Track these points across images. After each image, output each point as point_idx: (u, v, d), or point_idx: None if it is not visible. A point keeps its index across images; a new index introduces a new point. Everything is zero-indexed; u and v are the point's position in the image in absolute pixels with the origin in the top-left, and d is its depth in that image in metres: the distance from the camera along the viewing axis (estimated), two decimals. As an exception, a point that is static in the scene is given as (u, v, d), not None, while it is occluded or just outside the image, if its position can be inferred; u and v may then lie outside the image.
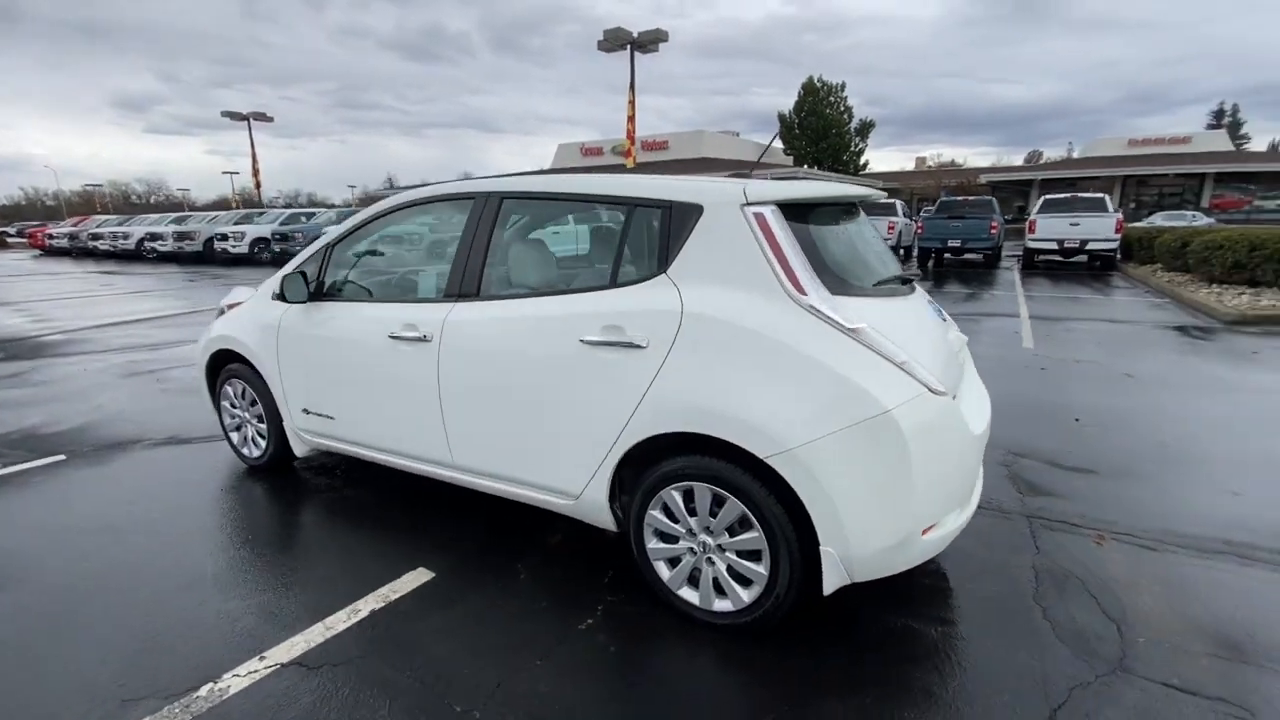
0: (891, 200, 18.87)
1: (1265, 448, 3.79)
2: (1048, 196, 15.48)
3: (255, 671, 2.01)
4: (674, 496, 2.17)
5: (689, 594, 2.23)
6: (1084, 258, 14.70)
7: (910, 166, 58.10)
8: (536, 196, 2.60)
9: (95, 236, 24.08)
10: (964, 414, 2.14)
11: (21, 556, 2.74)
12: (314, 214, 20.66)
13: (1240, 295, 9.08)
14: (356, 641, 2.16)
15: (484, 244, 2.58)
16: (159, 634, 2.20)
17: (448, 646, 2.14)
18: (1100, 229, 14.09)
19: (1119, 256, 14.70)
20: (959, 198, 17.46)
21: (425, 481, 3.29)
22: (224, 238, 19.26)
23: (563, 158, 39.46)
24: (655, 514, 2.23)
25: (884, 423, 1.84)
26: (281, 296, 3.01)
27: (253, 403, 3.49)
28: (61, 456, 3.84)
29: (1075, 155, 49.13)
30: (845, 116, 40.53)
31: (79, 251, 25.39)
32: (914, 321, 2.24)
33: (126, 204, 72.96)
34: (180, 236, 20.64)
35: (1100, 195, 15.30)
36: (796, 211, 2.15)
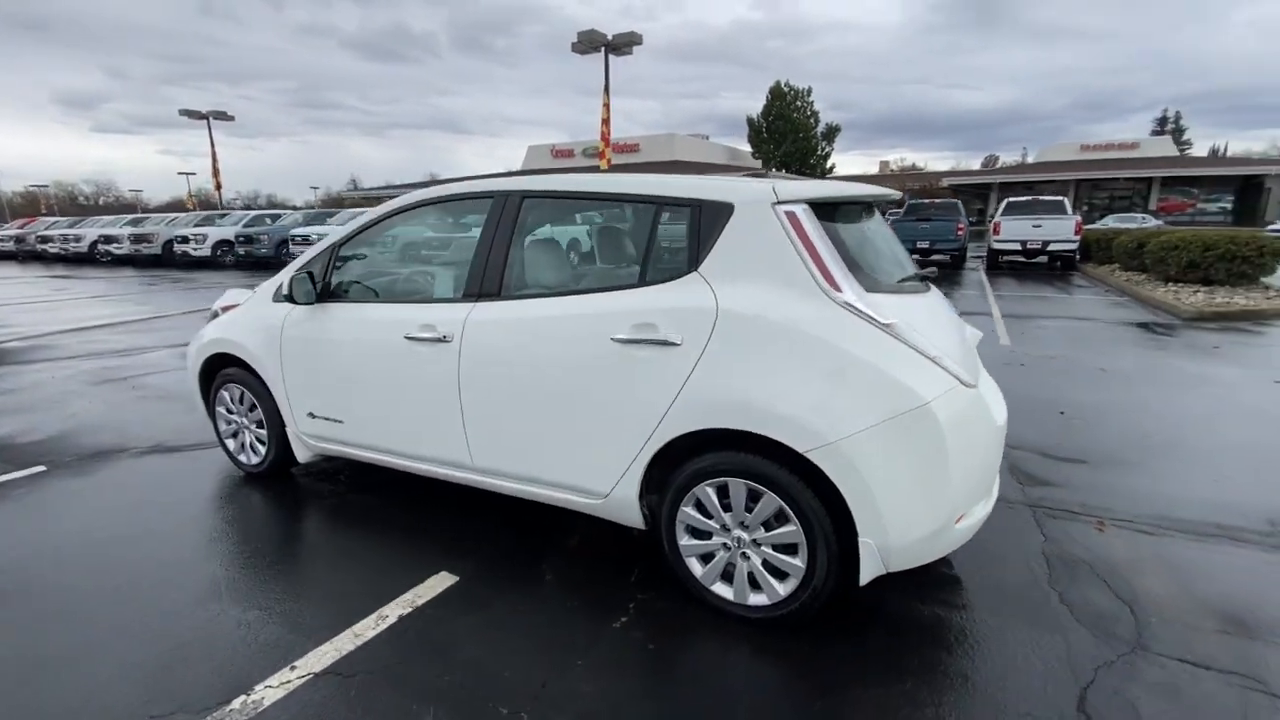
0: None
1: (1238, 437, 3.99)
2: (1010, 199, 16.00)
3: (288, 682, 1.96)
4: (708, 493, 2.19)
5: (722, 589, 2.25)
6: (1045, 258, 15.26)
7: (874, 170, 59.45)
8: (559, 195, 2.59)
9: (44, 239, 22.99)
10: (989, 405, 2.21)
11: (16, 573, 2.61)
12: (279, 215, 20.11)
13: (1196, 293, 9.53)
14: (389, 648, 2.12)
15: (505, 243, 2.56)
16: (179, 648, 2.12)
17: (483, 649, 2.11)
18: (1061, 231, 14.65)
19: (1078, 257, 15.30)
20: (926, 200, 17.93)
21: (431, 484, 3.24)
22: (184, 240, 18.60)
23: (533, 159, 39.24)
24: (688, 510, 2.25)
25: (923, 415, 1.89)
26: (289, 297, 2.93)
27: (251, 408, 3.38)
28: (41, 468, 3.66)
29: (1030, 160, 50.91)
30: (812, 121, 41.19)
31: (25, 255, 24.22)
32: (935, 318, 2.30)
33: (73, 205, 69.92)
34: (137, 239, 19.85)
35: (1060, 198, 15.89)
36: (823, 211, 2.20)
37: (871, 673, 2.00)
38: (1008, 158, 68.31)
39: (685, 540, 2.29)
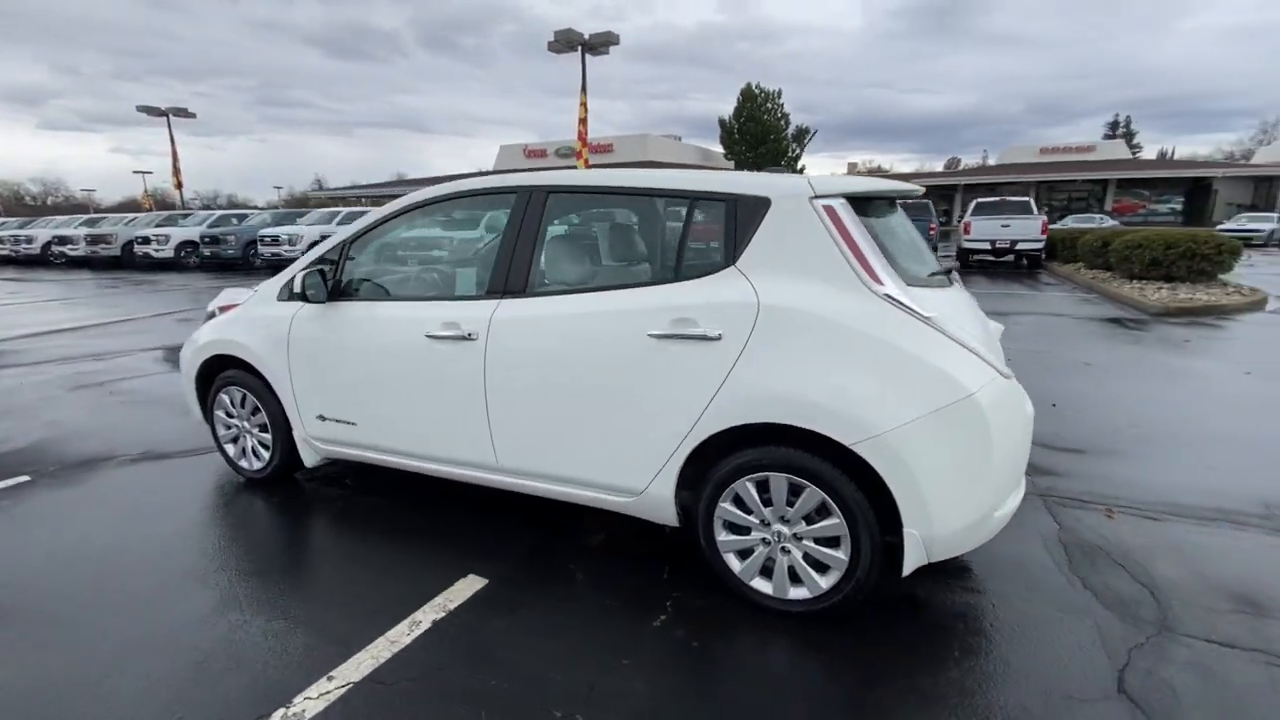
0: None
1: (1221, 426, 4.16)
2: (979, 200, 16.46)
3: (328, 693, 1.89)
4: (748, 488, 2.18)
5: (762, 584, 2.25)
6: (1012, 257, 15.73)
7: (843, 172, 60.48)
8: (587, 190, 2.56)
9: (-10, 241, 21.92)
10: (1022, 396, 2.25)
11: (13, 589, 2.47)
12: (246, 215, 19.52)
13: (1160, 290, 9.92)
14: (427, 654, 2.07)
15: (530, 239, 2.52)
16: (204, 660, 2.04)
17: (525, 653, 2.08)
18: (1028, 230, 15.14)
19: (1044, 256, 15.80)
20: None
21: (441, 485, 3.18)
22: (146, 241, 17.91)
23: (505, 159, 38.90)
24: (726, 506, 2.24)
25: (969, 406, 1.92)
26: (302, 296, 2.83)
27: (254, 411, 3.27)
28: (25, 478, 3.48)
29: (991, 162, 52.38)
30: (783, 123, 41.70)
31: (-30, 258, 23.03)
32: (964, 311, 2.34)
33: (20, 205, 66.73)
34: (94, 240, 19.06)
35: (1026, 199, 16.42)
36: (856, 205, 2.21)
37: (916, 662, 2.02)
38: (969, 160, 70.21)
39: (723, 536, 2.28)
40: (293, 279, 3.00)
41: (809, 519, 2.14)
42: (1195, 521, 2.92)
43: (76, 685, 1.94)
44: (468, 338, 2.54)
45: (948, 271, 2.56)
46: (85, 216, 23.41)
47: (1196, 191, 35.04)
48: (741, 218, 2.20)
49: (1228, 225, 24.02)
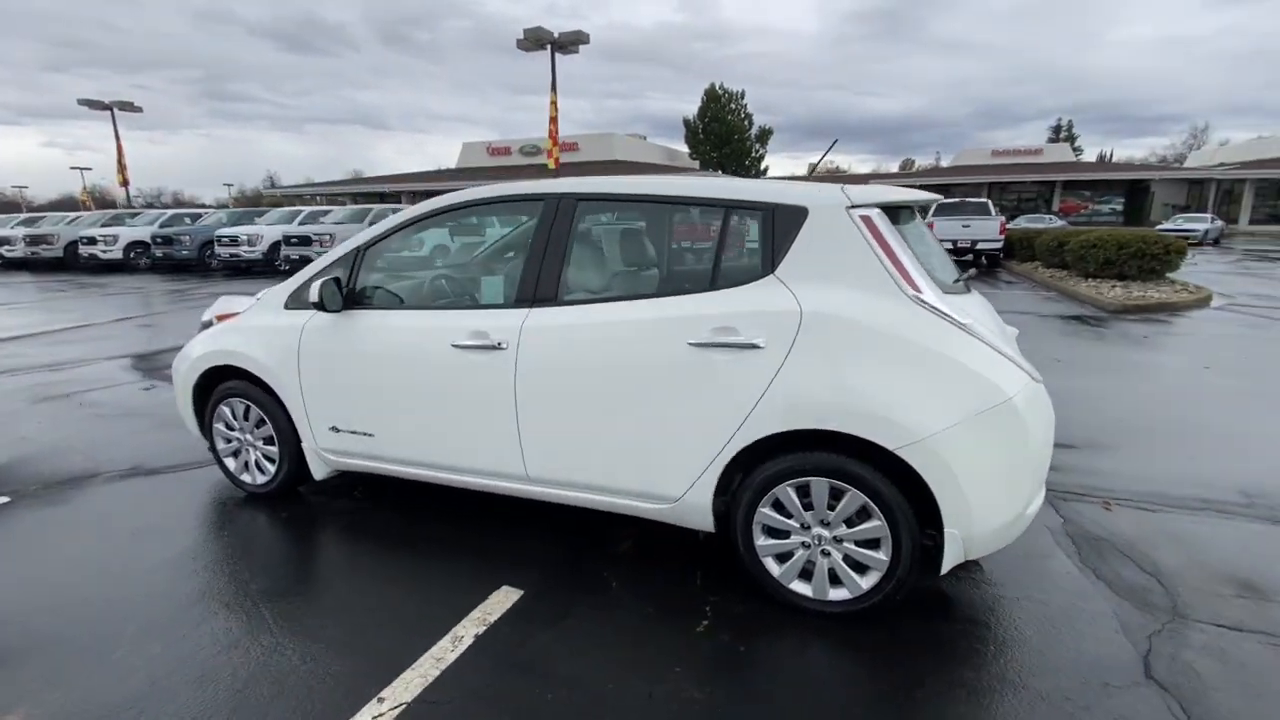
0: None
1: (1194, 419, 4.42)
2: (941, 201, 16.93)
3: (381, 715, 1.85)
4: (789, 493, 2.22)
5: (801, 586, 2.29)
6: (972, 256, 16.29)
7: (802, 173, 61.53)
8: (619, 199, 2.56)
9: (-86, 241, 20.46)
10: (1049, 399, 2.35)
11: (20, 624, 2.32)
12: (200, 214, 18.74)
13: (1114, 288, 10.43)
14: (475, 669, 2.04)
15: (560, 247, 2.50)
16: (245, 690, 1.96)
17: (574, 664, 2.07)
18: (987, 230, 15.72)
19: (1003, 255, 16.42)
20: None
21: (459, 495, 3.13)
22: (92, 241, 17.02)
23: (468, 157, 38.30)
24: (766, 511, 2.28)
25: (1008, 409, 1.99)
26: (319, 305, 2.75)
27: (259, 423, 3.16)
28: (4, 499, 3.28)
29: (944, 164, 54.06)
30: (746, 123, 42.26)
31: (-110, 260, 21.46)
32: (984, 317, 2.43)
33: (-60, 203, 62.39)
34: (34, 240, 18.01)
35: (984, 200, 17.03)
36: (890, 215, 2.27)
37: (957, 657, 2.09)
38: (922, 161, 72.47)
39: (762, 540, 2.32)
40: (304, 287, 2.91)
41: (849, 521, 2.19)
42: (1186, 511, 3.09)
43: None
44: (497, 347, 2.51)
45: (967, 279, 2.65)
46: (22, 216, 22.08)
47: (1135, 193, 36.93)
48: (779, 227, 2.24)
49: (1166, 225, 25.36)
